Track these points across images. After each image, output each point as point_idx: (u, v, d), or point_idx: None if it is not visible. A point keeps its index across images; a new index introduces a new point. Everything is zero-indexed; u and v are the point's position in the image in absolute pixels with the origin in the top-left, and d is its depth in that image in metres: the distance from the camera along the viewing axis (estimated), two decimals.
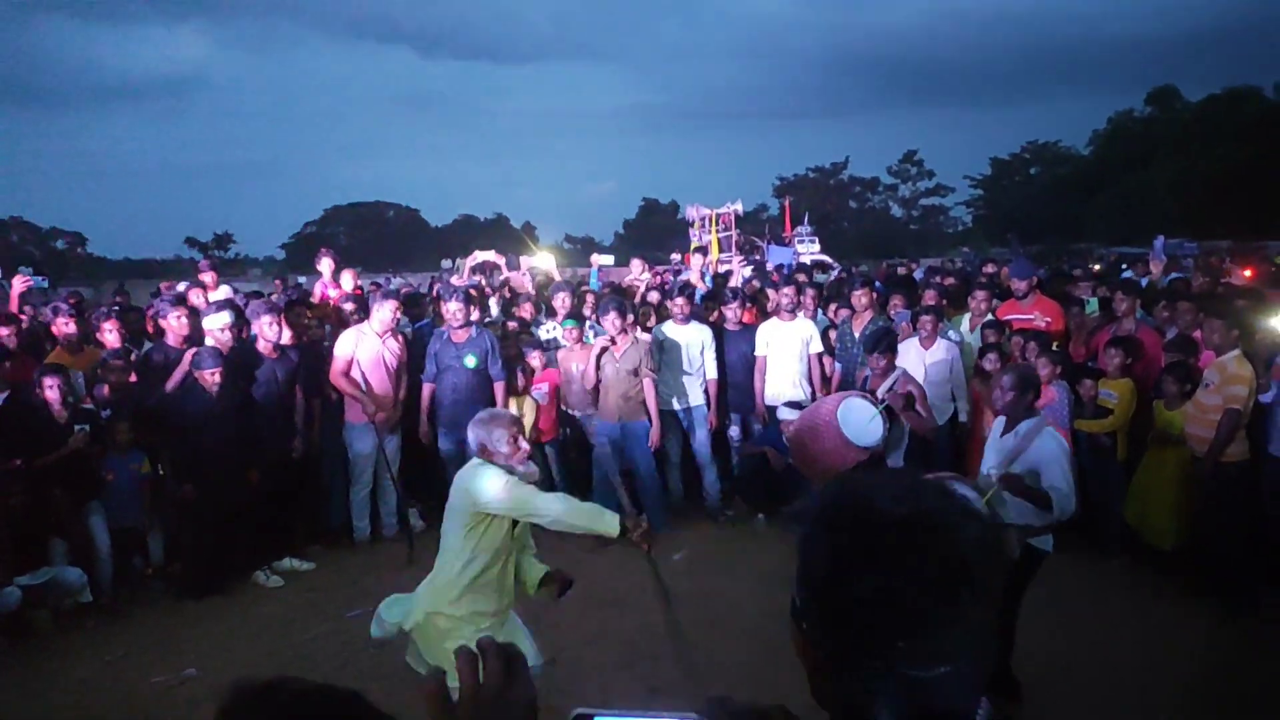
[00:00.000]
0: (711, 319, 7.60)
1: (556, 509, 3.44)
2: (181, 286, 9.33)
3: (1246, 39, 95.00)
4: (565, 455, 7.22)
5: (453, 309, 6.71)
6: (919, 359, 6.56)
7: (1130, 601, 5.36)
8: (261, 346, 6.26)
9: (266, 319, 6.25)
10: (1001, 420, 4.39)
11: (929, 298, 7.60)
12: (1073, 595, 5.22)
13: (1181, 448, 5.45)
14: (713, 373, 7.12)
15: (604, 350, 6.66)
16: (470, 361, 6.63)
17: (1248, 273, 11.12)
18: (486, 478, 3.38)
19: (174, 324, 6.30)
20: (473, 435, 3.60)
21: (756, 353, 7.11)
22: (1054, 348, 6.34)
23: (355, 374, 6.52)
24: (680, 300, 7.21)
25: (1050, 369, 5.87)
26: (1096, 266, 14.77)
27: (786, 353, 7.04)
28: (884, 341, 5.94)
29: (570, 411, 7.02)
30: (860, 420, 4.57)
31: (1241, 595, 5.11)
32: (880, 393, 5.62)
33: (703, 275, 10.50)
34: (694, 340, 7.10)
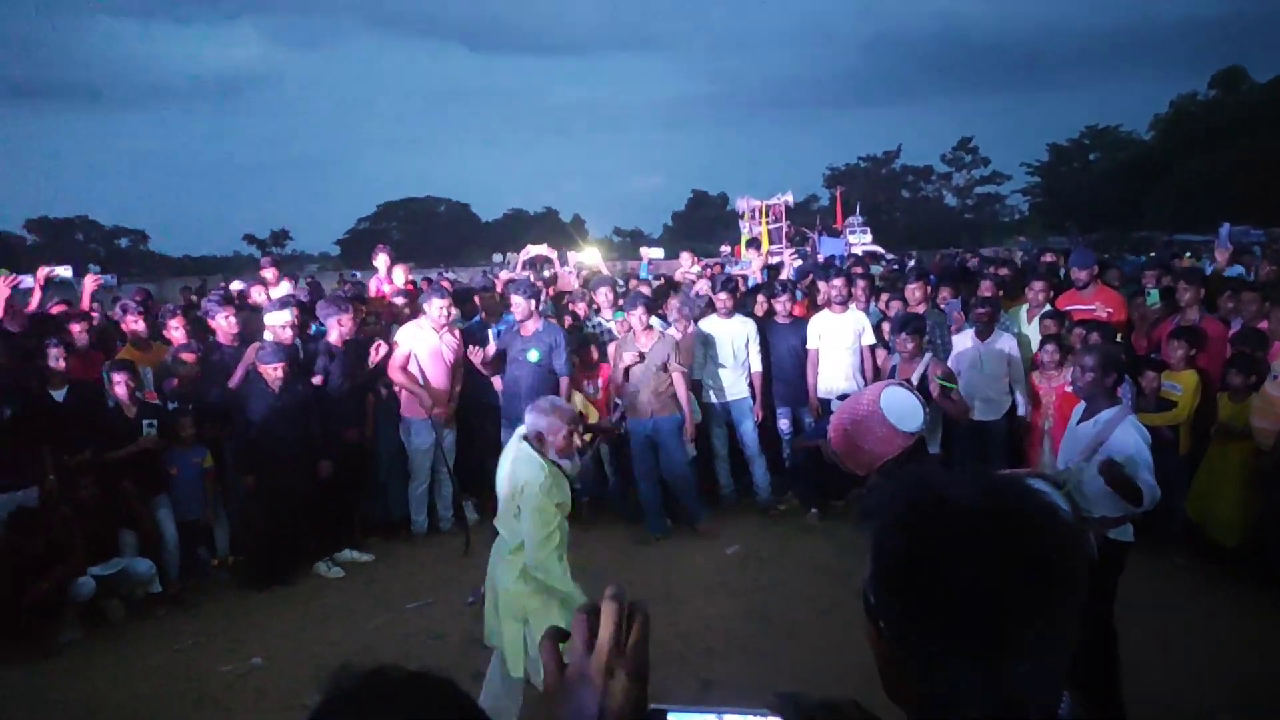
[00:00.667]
0: (760, 312, 7.58)
1: (538, 558, 3.56)
2: (236, 285, 9.54)
3: None
4: (616, 446, 7.24)
5: (517, 302, 6.73)
6: (976, 351, 6.48)
7: (1193, 599, 5.24)
8: (334, 339, 6.47)
9: (347, 314, 6.50)
10: (1080, 409, 4.22)
11: (985, 289, 7.49)
12: (1134, 594, 5.09)
13: (1246, 442, 5.32)
14: (757, 365, 7.10)
15: (637, 357, 6.60)
16: (533, 356, 6.63)
17: None
18: (533, 497, 3.54)
19: (222, 324, 6.47)
20: (531, 420, 3.67)
21: (808, 345, 7.07)
22: (1116, 339, 6.21)
23: (413, 368, 6.62)
24: (723, 294, 7.19)
25: None
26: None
27: (839, 345, 6.98)
28: (910, 324, 5.94)
29: (621, 403, 7.03)
30: (903, 406, 4.62)
31: None
32: (915, 378, 5.62)
33: (762, 271, 10.50)
34: (737, 333, 7.09)
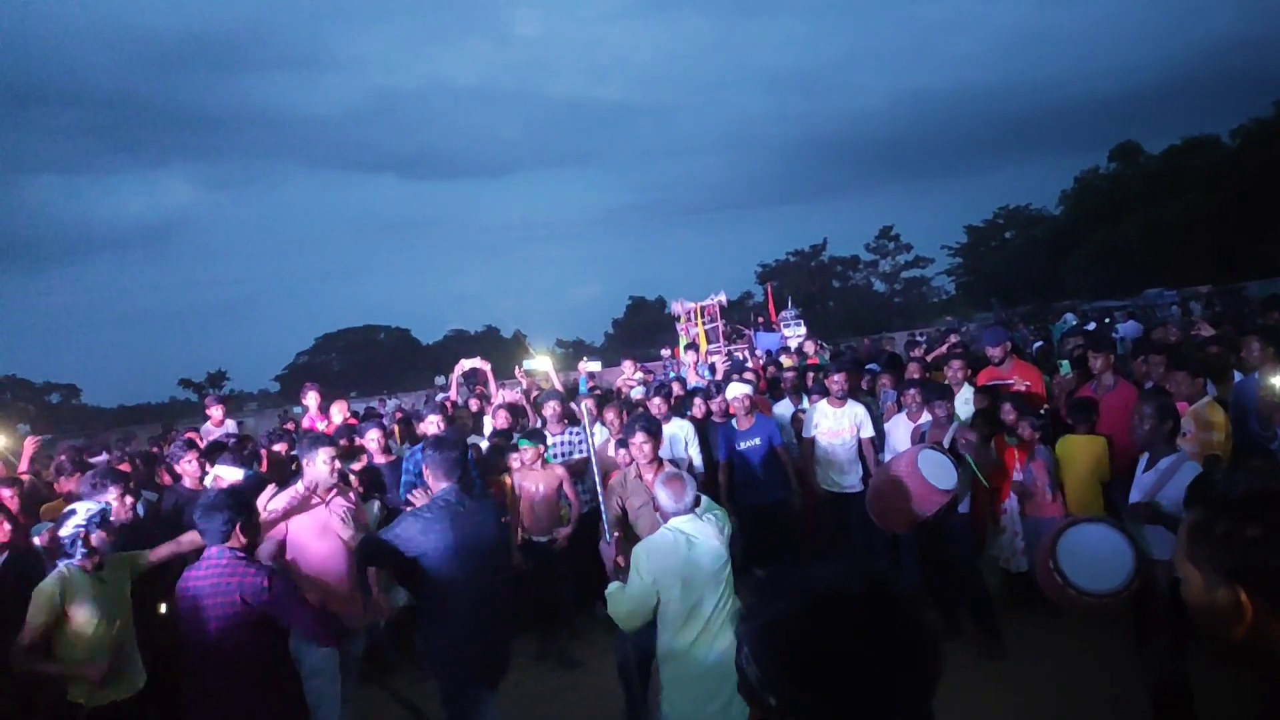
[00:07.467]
0: (699, 414, 7.70)
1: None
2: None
3: (1200, 91, 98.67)
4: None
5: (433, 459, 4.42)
6: (907, 431, 6.64)
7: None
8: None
9: (112, 491, 4.62)
10: (1144, 459, 4.42)
11: (912, 371, 7.75)
12: (1074, 649, 5.20)
13: None
14: (698, 464, 7.11)
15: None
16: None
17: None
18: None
19: (187, 468, 6.22)
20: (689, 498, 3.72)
21: (804, 434, 7.28)
22: (1041, 410, 6.40)
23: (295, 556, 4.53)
24: (657, 399, 7.30)
25: (1030, 433, 5.98)
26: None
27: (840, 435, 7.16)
28: (942, 393, 6.21)
29: (532, 538, 6.45)
30: (939, 467, 5.06)
31: None
32: (945, 441, 5.78)
33: (698, 371, 10.70)
34: (676, 436, 7.12)
